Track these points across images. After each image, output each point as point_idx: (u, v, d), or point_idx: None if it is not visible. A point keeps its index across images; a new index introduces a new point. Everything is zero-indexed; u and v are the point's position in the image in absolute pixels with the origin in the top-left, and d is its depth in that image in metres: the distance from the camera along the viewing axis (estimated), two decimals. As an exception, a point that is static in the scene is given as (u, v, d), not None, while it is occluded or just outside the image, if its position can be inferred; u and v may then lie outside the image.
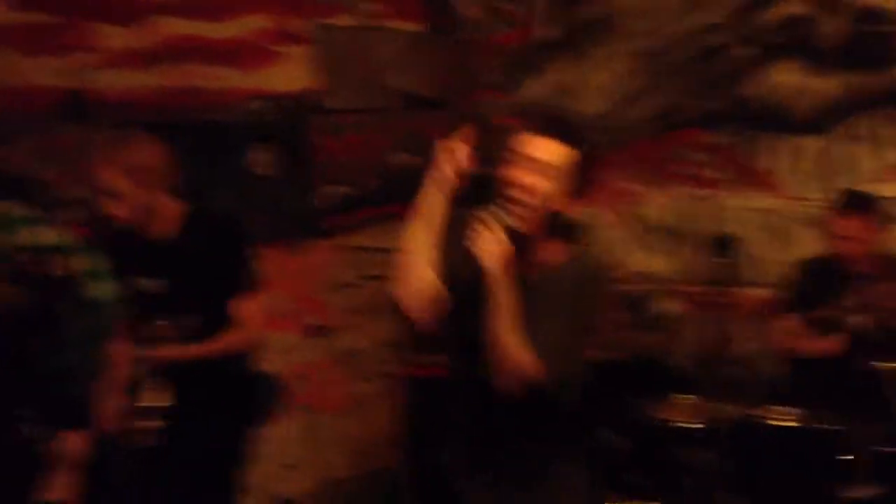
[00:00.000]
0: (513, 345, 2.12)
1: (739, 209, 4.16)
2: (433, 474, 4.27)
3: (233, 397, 2.98)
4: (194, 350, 2.80)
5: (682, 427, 3.21)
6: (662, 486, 3.21)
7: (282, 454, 4.33)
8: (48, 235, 3.58)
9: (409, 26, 4.93)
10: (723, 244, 2.16)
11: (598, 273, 2.30)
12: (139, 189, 2.78)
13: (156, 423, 2.78)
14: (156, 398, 2.78)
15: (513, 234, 2.17)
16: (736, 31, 4.10)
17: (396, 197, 4.84)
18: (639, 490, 3.26)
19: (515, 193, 2.18)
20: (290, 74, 4.41)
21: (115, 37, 3.81)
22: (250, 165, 4.27)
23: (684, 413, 3.28)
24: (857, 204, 3.34)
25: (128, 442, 2.89)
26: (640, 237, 4.48)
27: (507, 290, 2.14)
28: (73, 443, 3.11)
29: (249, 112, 4.26)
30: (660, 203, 4.39)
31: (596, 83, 4.56)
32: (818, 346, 3.37)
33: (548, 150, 2.21)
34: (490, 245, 2.14)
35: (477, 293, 2.20)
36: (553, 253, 2.27)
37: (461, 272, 2.26)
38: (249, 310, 2.91)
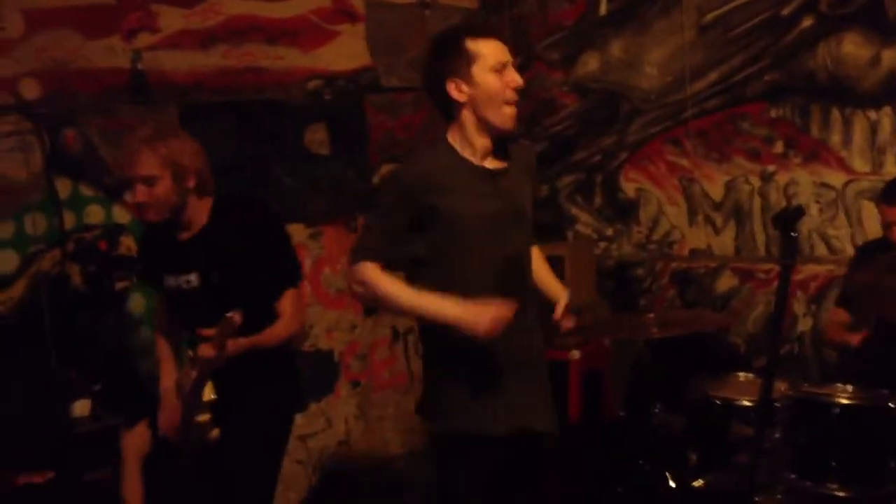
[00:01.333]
0: None
1: (805, 185, 4.06)
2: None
3: (275, 382, 2.95)
4: (245, 343, 2.76)
5: (738, 404, 3.17)
6: (717, 464, 3.17)
7: (337, 431, 4.40)
8: (113, 215, 3.67)
9: (465, 3, 4.91)
10: (786, 220, 2.11)
11: None
12: (173, 182, 2.76)
13: (206, 417, 2.81)
14: (204, 393, 2.81)
15: None
16: (801, 1, 3.99)
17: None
18: (694, 467, 3.23)
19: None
20: (347, 53, 4.43)
21: (177, 18, 3.87)
22: (308, 144, 4.31)
23: (741, 390, 3.24)
24: None
25: (183, 436, 2.94)
26: (700, 213, 4.42)
27: None
28: (139, 436, 3.19)
29: (307, 91, 4.30)
30: (722, 179, 4.31)
31: (656, 58, 4.49)
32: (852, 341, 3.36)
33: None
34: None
35: None
36: None
37: None
38: (288, 302, 2.88)
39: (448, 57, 2.44)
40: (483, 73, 2.43)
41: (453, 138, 2.52)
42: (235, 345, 2.72)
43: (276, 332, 2.86)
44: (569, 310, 2.64)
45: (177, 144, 2.78)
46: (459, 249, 2.47)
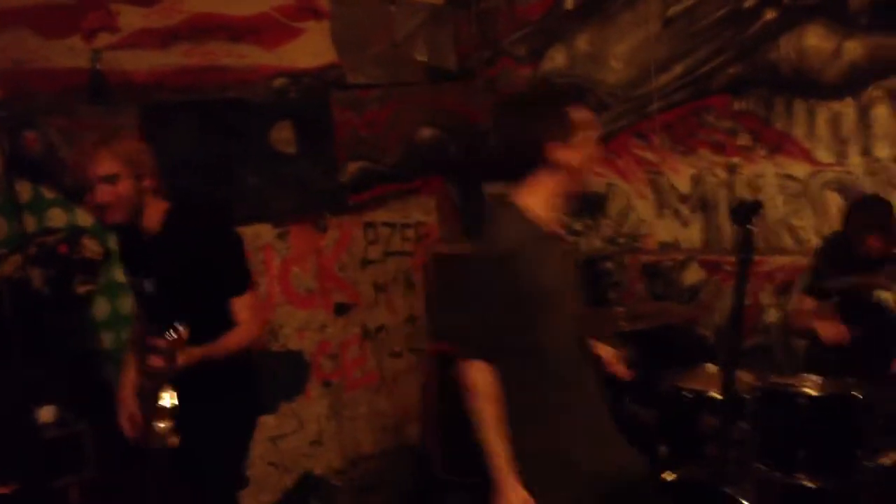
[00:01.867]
0: None
1: (770, 176, 4.08)
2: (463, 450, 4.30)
3: (236, 388, 2.94)
4: (197, 353, 2.73)
5: (706, 396, 3.19)
6: (688, 456, 3.19)
7: (308, 431, 4.37)
8: (74, 217, 3.61)
9: (430, -1, 4.90)
10: (744, 214, 2.13)
11: None
12: (133, 181, 2.77)
13: (168, 424, 2.78)
14: (164, 401, 2.78)
15: None
16: (764, -6, 4.01)
17: (420, 172, 4.84)
18: (665, 460, 3.24)
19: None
20: (312, 50, 4.40)
21: (137, 17, 3.82)
22: (274, 143, 4.28)
23: (709, 382, 3.25)
24: (872, 211, 3.33)
25: (145, 443, 2.90)
26: (668, 207, 4.43)
27: None
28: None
29: (272, 89, 4.26)
30: (688, 172, 4.33)
31: (622, 51, 4.50)
32: (829, 331, 3.37)
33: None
34: None
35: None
36: None
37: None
38: (245, 307, 2.87)
39: (549, 120, 2.40)
40: (583, 143, 2.42)
41: (526, 203, 2.44)
42: (188, 356, 2.69)
43: (233, 339, 2.85)
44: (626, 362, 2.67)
45: (133, 144, 2.84)
46: (550, 323, 2.43)
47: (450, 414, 4.51)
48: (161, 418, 2.76)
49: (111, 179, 2.75)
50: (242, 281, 2.90)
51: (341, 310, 4.50)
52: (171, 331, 2.58)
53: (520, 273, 2.34)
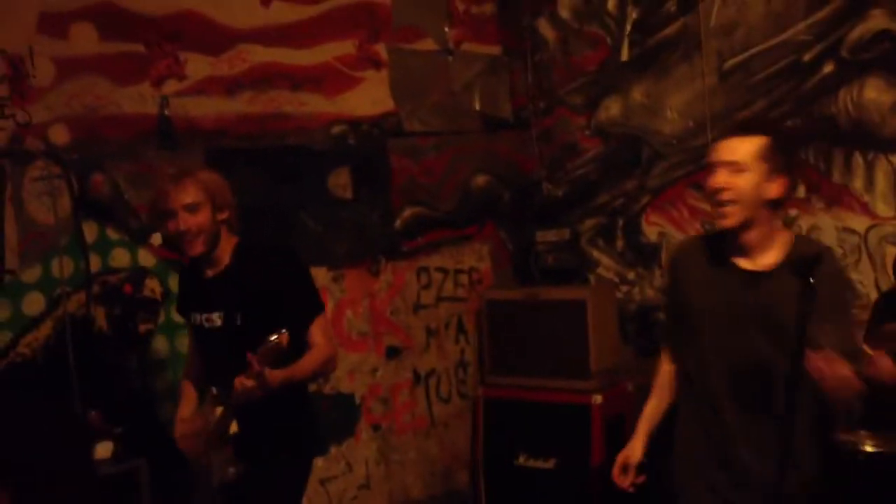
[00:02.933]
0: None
1: (828, 229, 4.04)
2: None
3: (296, 427, 2.95)
4: (277, 376, 2.73)
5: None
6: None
7: (357, 475, 4.38)
8: (138, 258, 3.72)
9: (487, 49, 4.98)
10: (808, 264, 2.12)
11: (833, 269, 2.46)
12: (212, 212, 2.84)
13: (230, 454, 2.82)
14: (229, 428, 2.81)
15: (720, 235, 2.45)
16: (823, 47, 4.01)
17: (474, 218, 4.89)
18: None
19: (713, 196, 2.40)
20: (370, 99, 4.50)
21: (204, 65, 3.96)
22: (332, 188, 4.36)
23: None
24: None
25: (206, 472, 2.94)
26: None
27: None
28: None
29: (331, 136, 4.36)
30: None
31: (677, 103, 4.52)
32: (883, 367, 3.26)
33: (725, 148, 2.40)
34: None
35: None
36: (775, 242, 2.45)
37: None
38: (318, 330, 2.91)
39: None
40: None
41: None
42: (273, 376, 2.69)
43: (312, 360, 2.87)
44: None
45: (212, 176, 2.89)
46: (692, 341, 2.58)
47: (497, 460, 4.50)
48: (223, 448, 2.80)
49: (193, 208, 2.81)
50: (313, 306, 2.94)
51: (393, 353, 4.54)
52: (269, 341, 2.59)
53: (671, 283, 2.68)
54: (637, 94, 4.68)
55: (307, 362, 2.86)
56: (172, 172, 2.88)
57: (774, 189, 2.37)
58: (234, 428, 2.80)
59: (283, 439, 2.91)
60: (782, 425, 2.21)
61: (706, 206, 4.39)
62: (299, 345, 2.86)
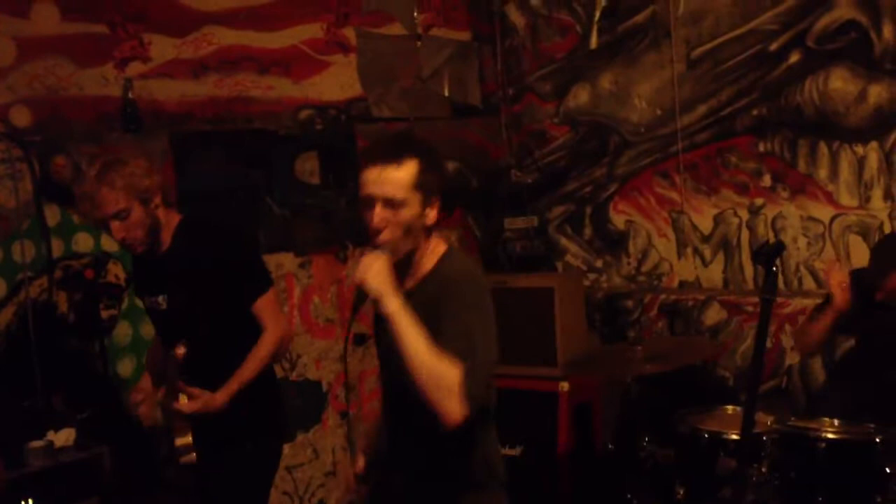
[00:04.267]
0: (438, 367, 2.05)
1: (793, 218, 4.08)
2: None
3: (261, 413, 2.93)
4: (230, 390, 2.75)
5: (725, 438, 3.17)
6: (705, 497, 3.16)
7: (324, 462, 4.37)
8: (101, 243, 3.66)
9: (457, 35, 4.95)
10: (767, 255, 2.13)
11: (458, 274, 2.22)
12: (142, 207, 2.75)
13: (188, 439, 2.80)
14: (187, 435, 2.80)
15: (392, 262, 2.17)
16: (789, 36, 4.03)
17: (444, 204, 4.87)
18: (682, 501, 3.22)
19: (373, 235, 2.19)
20: (338, 83, 4.46)
21: (169, 47, 3.90)
22: (299, 173, 4.33)
23: (728, 424, 3.23)
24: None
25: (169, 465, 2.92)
26: (689, 246, 4.44)
27: (400, 309, 2.09)
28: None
29: (298, 121, 4.32)
30: (711, 212, 4.34)
31: (646, 91, 4.53)
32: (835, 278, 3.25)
33: (379, 181, 2.15)
34: (370, 267, 2.12)
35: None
36: (424, 264, 2.27)
37: None
38: (266, 307, 2.85)
39: None
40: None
41: None
42: (215, 399, 2.72)
43: (256, 357, 2.83)
44: None
45: (131, 170, 2.74)
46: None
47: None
48: (181, 433, 2.77)
49: (121, 215, 2.72)
50: (256, 284, 2.87)
51: (360, 341, 4.51)
52: (169, 356, 2.59)
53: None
54: (605, 81, 4.69)
55: (251, 362, 2.82)
56: (91, 177, 2.74)
57: (431, 215, 2.21)
58: (187, 440, 2.78)
59: (250, 424, 2.88)
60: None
61: (674, 195, 4.44)
62: (248, 325, 2.84)
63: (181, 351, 2.61)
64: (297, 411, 4.23)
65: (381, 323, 2.20)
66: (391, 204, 2.14)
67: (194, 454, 2.80)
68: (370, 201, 2.17)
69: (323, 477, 4.37)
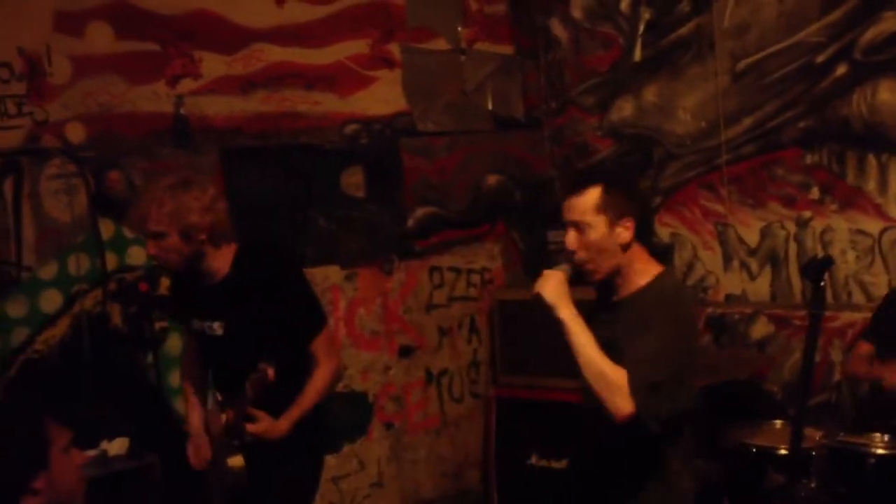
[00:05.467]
0: (603, 367, 2.25)
1: (841, 231, 4.04)
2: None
3: (305, 425, 2.92)
4: (292, 418, 2.80)
5: (773, 453, 3.14)
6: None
7: (369, 473, 4.40)
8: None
9: (500, 49, 4.98)
10: (815, 270, 2.12)
11: (676, 294, 2.42)
12: (181, 238, 2.76)
13: (239, 461, 2.85)
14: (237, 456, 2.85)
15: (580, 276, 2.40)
16: (836, 48, 4.00)
17: (486, 218, 4.90)
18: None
19: (568, 256, 2.41)
20: (383, 98, 4.51)
21: (219, 64, 3.98)
22: (345, 187, 4.38)
23: (777, 439, 3.21)
24: None
25: (212, 473, 2.96)
26: (736, 259, 4.41)
27: (571, 317, 2.30)
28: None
29: (344, 135, 4.37)
30: (757, 225, 4.31)
31: (690, 103, 4.52)
32: (882, 374, 3.29)
33: (567, 208, 2.41)
34: (547, 281, 2.35)
35: None
36: (635, 280, 2.42)
37: None
38: (322, 345, 2.90)
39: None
40: None
41: None
42: (279, 427, 2.77)
43: (314, 389, 2.87)
44: None
45: (186, 201, 2.75)
46: None
47: (509, 460, 4.50)
48: (232, 455, 2.82)
49: (157, 236, 2.76)
50: (315, 322, 2.93)
51: (405, 352, 4.55)
52: (257, 371, 2.63)
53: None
54: (649, 94, 4.68)
55: (311, 391, 2.87)
56: (153, 190, 2.80)
57: (623, 234, 2.38)
58: (238, 462, 2.82)
59: (294, 436, 2.91)
60: None
61: (720, 208, 4.41)
62: (303, 361, 2.88)
63: (272, 373, 2.64)
64: (344, 422, 4.27)
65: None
66: (578, 227, 2.38)
67: (241, 460, 2.84)
68: (565, 226, 2.42)
69: (368, 488, 4.40)
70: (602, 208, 2.36)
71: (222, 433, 2.88)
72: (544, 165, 5.12)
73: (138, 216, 2.81)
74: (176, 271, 2.94)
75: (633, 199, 2.43)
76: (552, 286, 2.33)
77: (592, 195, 2.38)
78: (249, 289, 2.82)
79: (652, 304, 2.33)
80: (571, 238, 2.38)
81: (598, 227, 2.36)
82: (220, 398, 2.89)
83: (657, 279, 2.40)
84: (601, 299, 2.49)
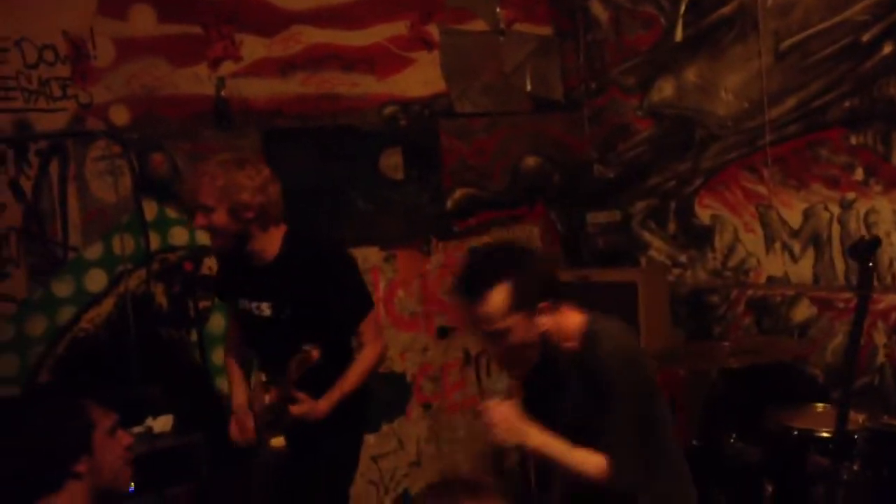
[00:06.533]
0: (585, 467, 2.17)
1: (886, 213, 3.97)
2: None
3: (346, 403, 2.97)
4: (332, 399, 2.83)
5: (816, 435, 3.11)
6: (794, 496, 3.12)
7: (408, 452, 4.43)
8: (194, 236, 3.78)
9: (539, 29, 4.95)
10: (863, 250, 2.09)
11: (618, 349, 2.24)
12: (229, 215, 2.79)
13: (280, 439, 2.88)
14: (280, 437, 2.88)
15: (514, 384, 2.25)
16: (882, 27, 3.93)
17: (524, 199, 4.89)
18: (770, 499, 3.18)
19: (493, 362, 2.26)
20: (421, 79, 4.51)
21: (259, 46, 4.00)
22: (383, 169, 4.39)
23: (819, 421, 3.18)
24: None
25: (256, 452, 3.01)
26: (778, 241, 4.36)
27: (541, 442, 2.18)
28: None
29: (383, 117, 4.38)
30: (800, 206, 4.25)
31: (732, 83, 4.46)
32: None
33: (478, 320, 2.17)
34: (498, 424, 2.18)
35: None
36: (566, 344, 2.27)
37: None
38: (369, 327, 2.94)
39: None
40: None
41: None
42: (320, 406, 2.79)
43: (358, 369, 2.91)
44: None
45: (239, 179, 2.78)
46: None
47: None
48: (274, 431, 2.86)
49: (206, 209, 2.81)
50: (363, 305, 2.96)
51: (443, 333, 4.57)
52: (301, 352, 2.66)
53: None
54: (691, 74, 4.63)
55: (353, 374, 2.90)
56: (208, 165, 2.85)
57: (545, 318, 2.19)
58: (280, 442, 2.85)
59: (335, 415, 2.93)
60: None
61: (762, 190, 4.36)
62: (349, 344, 2.94)
63: (316, 353, 2.67)
64: (383, 402, 4.30)
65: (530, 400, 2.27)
66: (493, 337, 2.15)
67: (282, 439, 2.87)
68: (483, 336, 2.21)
69: (407, 467, 4.43)
70: (515, 306, 2.11)
71: (265, 412, 2.92)
72: (583, 146, 5.10)
73: (190, 188, 2.87)
74: (224, 250, 2.97)
75: (540, 273, 2.21)
76: (505, 425, 2.15)
77: (498, 298, 2.10)
78: (300, 271, 2.84)
79: (595, 369, 2.16)
80: (491, 351, 2.19)
81: (517, 328, 2.14)
82: (264, 378, 2.93)
83: (587, 338, 2.22)
84: (536, 375, 2.30)
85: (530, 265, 2.22)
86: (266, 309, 2.93)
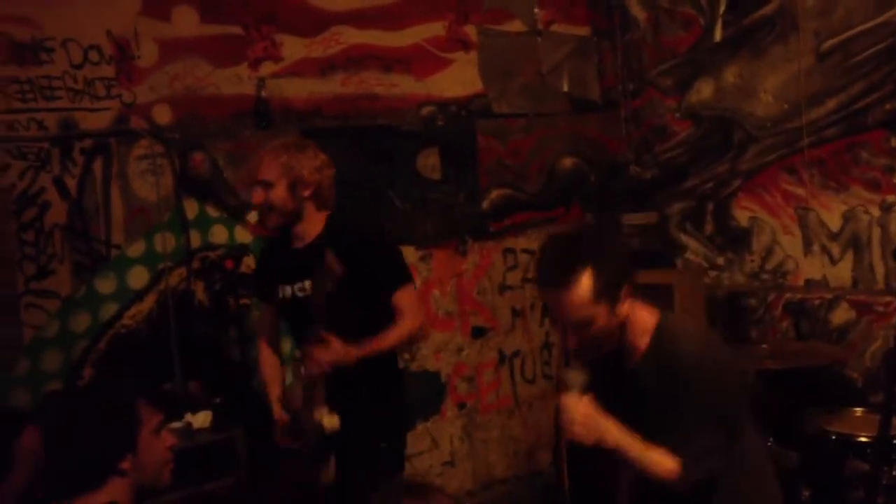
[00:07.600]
0: (657, 467, 2.14)
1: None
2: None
3: (389, 402, 3.01)
4: (364, 350, 2.84)
5: (854, 440, 3.09)
6: (832, 500, 3.09)
7: (442, 451, 4.45)
8: (234, 235, 3.84)
9: (576, 30, 4.95)
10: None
11: (675, 363, 2.17)
12: (288, 190, 2.89)
13: (327, 412, 2.88)
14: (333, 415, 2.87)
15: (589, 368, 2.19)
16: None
17: (560, 200, 4.89)
18: (806, 502, 3.16)
19: (579, 353, 2.22)
20: (459, 80, 4.53)
21: (299, 47, 4.04)
22: (421, 168, 4.41)
23: (857, 426, 3.15)
24: None
25: (297, 445, 3.02)
26: (816, 243, 4.32)
27: (620, 439, 2.15)
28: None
29: (421, 117, 4.41)
30: (839, 209, 4.21)
31: (772, 84, 4.43)
32: None
33: (557, 308, 2.16)
34: (575, 421, 2.15)
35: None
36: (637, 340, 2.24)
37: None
38: (404, 300, 2.96)
39: None
40: None
41: None
42: (349, 352, 2.80)
43: (393, 333, 2.92)
44: None
45: (300, 157, 2.91)
46: None
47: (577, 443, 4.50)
48: (318, 405, 2.86)
49: (267, 185, 2.89)
50: (400, 275, 3.00)
51: (478, 333, 4.58)
52: (325, 269, 2.70)
53: None
54: (730, 75, 4.61)
55: (387, 336, 2.91)
56: (271, 145, 2.97)
57: (625, 308, 2.15)
58: (334, 423, 2.85)
59: (378, 415, 2.97)
60: None
61: (801, 192, 4.33)
62: (385, 314, 2.93)
63: (339, 268, 2.72)
64: (417, 401, 4.32)
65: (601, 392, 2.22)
66: (579, 325, 2.13)
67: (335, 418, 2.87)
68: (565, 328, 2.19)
69: (441, 466, 4.45)
70: (600, 294, 2.08)
71: (305, 387, 2.93)
72: (620, 147, 5.09)
73: (250, 166, 2.96)
74: (266, 243, 3.03)
75: (622, 261, 2.17)
76: (585, 421, 2.12)
77: (583, 287, 2.08)
78: (341, 246, 2.87)
79: (673, 367, 2.13)
80: (574, 337, 2.15)
81: (599, 317, 2.11)
82: (303, 371, 2.95)
83: (662, 334, 2.19)
84: (604, 364, 2.25)
85: (614, 251, 2.21)
86: (309, 287, 2.96)
